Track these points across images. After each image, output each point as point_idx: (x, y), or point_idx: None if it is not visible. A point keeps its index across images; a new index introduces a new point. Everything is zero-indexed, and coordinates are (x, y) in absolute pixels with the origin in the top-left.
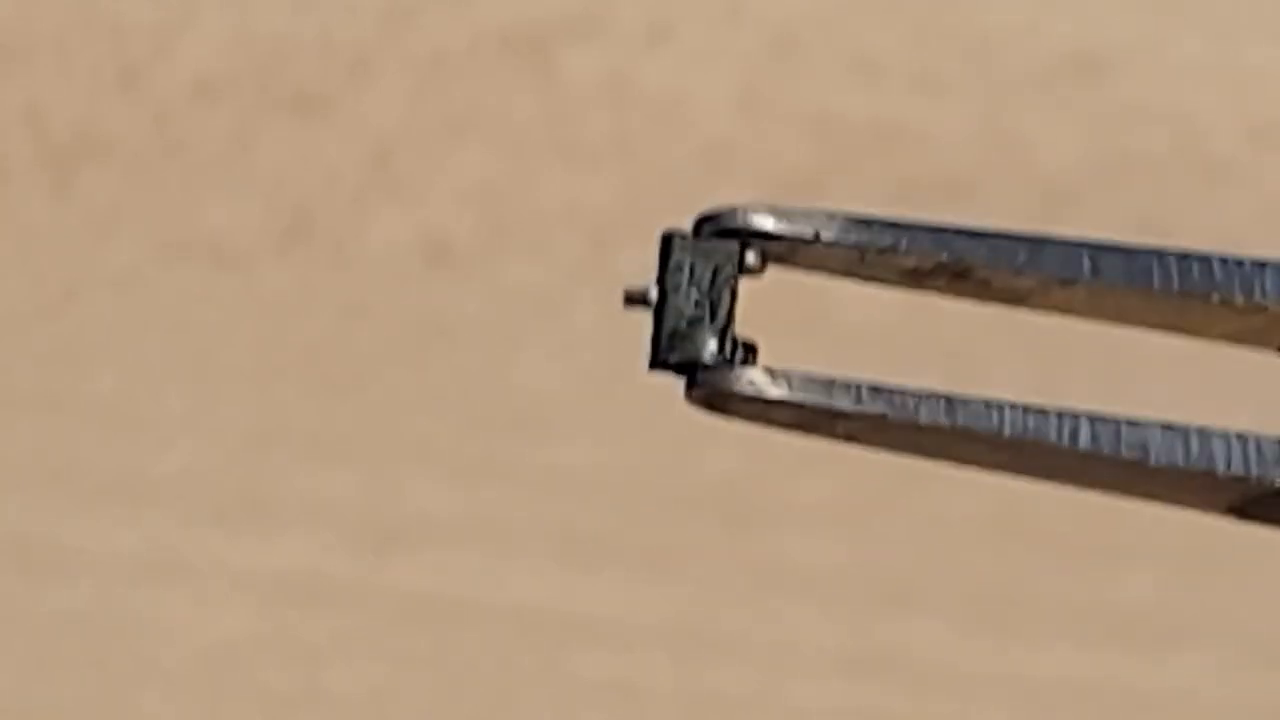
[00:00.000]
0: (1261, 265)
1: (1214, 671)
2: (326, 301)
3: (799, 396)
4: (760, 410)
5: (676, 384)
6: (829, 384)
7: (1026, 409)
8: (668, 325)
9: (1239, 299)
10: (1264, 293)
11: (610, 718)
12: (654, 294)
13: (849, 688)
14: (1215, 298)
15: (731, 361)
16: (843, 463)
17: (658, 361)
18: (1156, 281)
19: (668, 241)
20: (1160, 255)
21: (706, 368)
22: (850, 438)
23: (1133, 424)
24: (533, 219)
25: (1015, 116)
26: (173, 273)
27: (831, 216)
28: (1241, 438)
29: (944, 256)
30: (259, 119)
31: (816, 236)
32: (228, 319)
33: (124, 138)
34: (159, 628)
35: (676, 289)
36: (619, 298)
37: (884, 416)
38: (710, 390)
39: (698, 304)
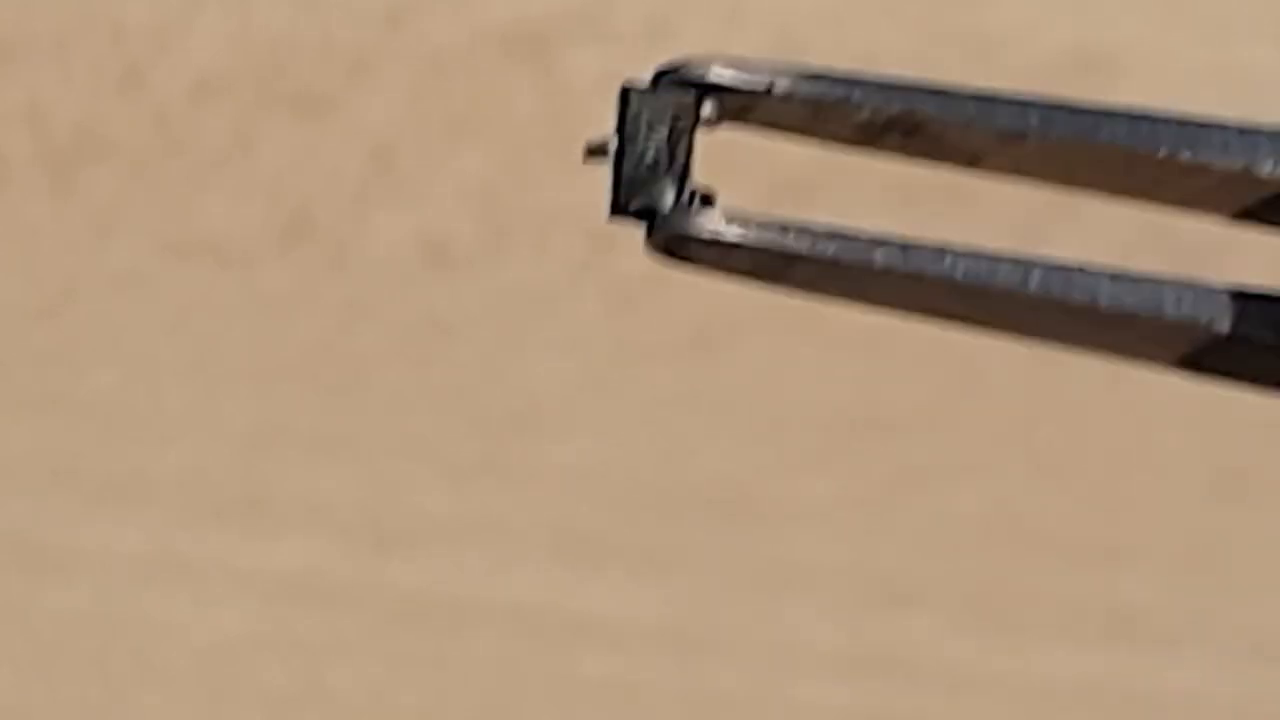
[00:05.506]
0: (1206, 126)
1: (1214, 671)
2: (326, 301)
3: (755, 239)
4: (718, 255)
5: (688, 367)
6: (785, 228)
7: (979, 255)
8: (627, 174)
9: (1185, 157)
10: (1210, 152)
11: (610, 718)
12: (613, 145)
13: (849, 687)
14: (1162, 153)
15: (690, 208)
16: (843, 461)
17: (617, 209)
18: (1103, 136)
19: (626, 94)
20: (1109, 113)
21: (665, 215)
22: (805, 286)
23: (1084, 271)
24: (533, 219)
25: None
26: (173, 272)
27: (787, 69)
28: (1191, 285)
29: (896, 109)
30: (259, 119)
31: (770, 88)
32: (228, 319)
33: (124, 138)
34: (159, 628)
35: (634, 139)
36: (620, 297)
37: (838, 260)
38: (669, 235)
39: (656, 153)
